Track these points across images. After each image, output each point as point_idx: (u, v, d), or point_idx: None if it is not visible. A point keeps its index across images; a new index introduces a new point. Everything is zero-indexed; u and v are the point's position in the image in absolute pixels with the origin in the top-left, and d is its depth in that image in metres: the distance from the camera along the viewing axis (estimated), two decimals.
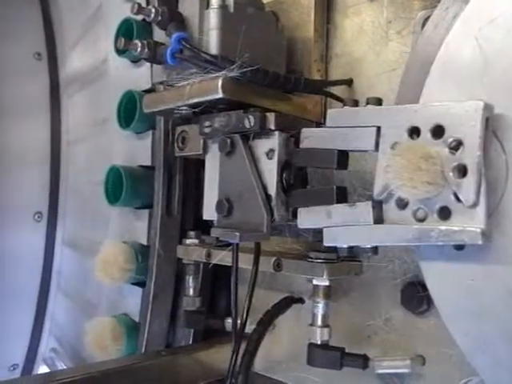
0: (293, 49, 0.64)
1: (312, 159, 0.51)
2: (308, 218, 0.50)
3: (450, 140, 0.40)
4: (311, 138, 0.51)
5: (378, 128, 0.44)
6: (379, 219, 0.44)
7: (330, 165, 0.48)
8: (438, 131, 0.41)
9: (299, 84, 0.57)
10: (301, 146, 0.51)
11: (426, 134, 0.41)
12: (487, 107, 0.39)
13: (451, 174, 0.40)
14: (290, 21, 0.64)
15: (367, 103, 0.48)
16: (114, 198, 0.80)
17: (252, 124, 0.53)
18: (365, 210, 0.45)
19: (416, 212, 0.42)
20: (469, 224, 0.39)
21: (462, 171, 0.39)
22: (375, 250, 0.49)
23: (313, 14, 0.63)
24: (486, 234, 0.39)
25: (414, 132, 0.42)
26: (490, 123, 0.39)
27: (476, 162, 0.39)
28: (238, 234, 0.51)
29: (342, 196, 0.48)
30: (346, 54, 0.64)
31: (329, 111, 0.49)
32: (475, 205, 0.39)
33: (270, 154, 0.54)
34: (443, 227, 0.40)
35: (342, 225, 0.47)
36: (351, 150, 0.48)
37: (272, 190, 0.53)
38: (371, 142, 0.45)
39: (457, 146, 0.40)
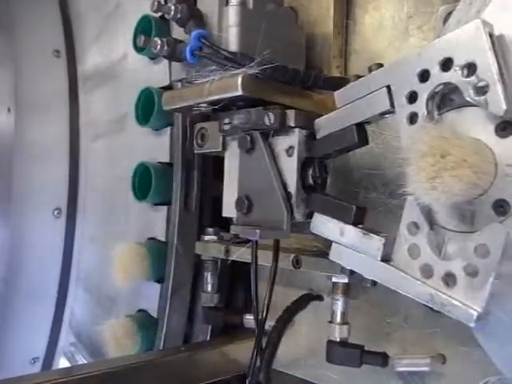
0: (312, 45, 0.64)
1: (331, 143, 0.50)
2: (322, 225, 0.50)
3: (462, 64, 0.38)
4: (326, 125, 0.50)
5: (388, 86, 0.43)
6: (387, 257, 0.44)
7: (351, 141, 0.47)
8: (446, 65, 0.39)
9: (319, 80, 0.57)
10: (317, 136, 0.51)
11: (436, 73, 0.40)
12: (486, 23, 0.37)
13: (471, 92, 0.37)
14: (309, 16, 0.64)
15: (370, 71, 0.48)
16: (141, 195, 0.81)
17: (272, 121, 0.53)
18: (376, 244, 0.45)
19: (423, 267, 0.41)
20: (469, 302, 0.38)
21: (482, 91, 0.37)
22: (374, 282, 0.49)
23: (332, 10, 0.63)
24: (481, 317, 0.37)
25: (424, 75, 0.41)
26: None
27: (495, 73, 0.36)
28: (258, 231, 0.51)
29: (360, 217, 0.48)
30: (366, 50, 0.63)
31: (335, 93, 0.49)
32: (482, 287, 0.37)
33: (289, 151, 0.53)
34: (443, 296, 0.39)
35: (350, 247, 0.47)
36: (368, 120, 0.47)
37: (292, 187, 0.53)
38: (385, 102, 0.44)
39: (470, 70, 0.38)
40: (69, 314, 1.16)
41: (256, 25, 0.55)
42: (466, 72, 0.38)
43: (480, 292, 0.37)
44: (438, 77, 0.40)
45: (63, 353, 1.15)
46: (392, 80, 0.43)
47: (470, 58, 0.37)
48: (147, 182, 0.78)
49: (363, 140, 0.48)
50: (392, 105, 0.43)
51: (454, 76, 0.38)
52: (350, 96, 0.47)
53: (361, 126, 0.47)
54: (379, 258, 0.44)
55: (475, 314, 0.37)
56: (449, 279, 0.39)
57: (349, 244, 0.47)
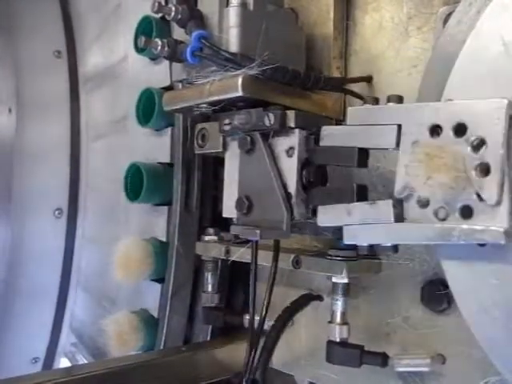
0: (312, 46, 0.64)
1: (332, 157, 0.50)
2: (328, 215, 0.50)
3: (473, 139, 0.40)
4: (331, 135, 0.50)
5: (399, 126, 0.44)
6: (400, 217, 0.44)
7: (351, 163, 0.48)
8: (460, 129, 0.40)
9: (319, 81, 0.57)
10: (321, 143, 0.51)
11: (447, 132, 0.41)
12: (511, 105, 0.38)
13: (473, 172, 0.39)
14: (310, 18, 0.64)
15: (388, 101, 0.48)
16: (133, 195, 0.81)
17: (272, 122, 0.53)
18: (385, 208, 0.45)
19: (437, 211, 0.42)
20: (491, 223, 0.38)
21: (485, 170, 0.39)
22: (395, 248, 0.49)
23: (332, 11, 0.63)
24: (509, 233, 0.38)
25: (436, 130, 0.42)
26: None
27: (499, 160, 0.38)
28: (258, 231, 0.51)
29: (363, 194, 0.48)
30: (366, 51, 0.63)
31: (349, 109, 0.49)
32: (498, 203, 0.38)
33: (289, 151, 0.54)
34: (465, 226, 0.40)
35: (362, 223, 0.47)
36: (372, 148, 0.48)
37: (292, 187, 0.53)
38: (392, 140, 0.44)
39: (479, 144, 0.39)
40: (69, 314, 1.16)
41: (256, 26, 0.55)
42: (475, 144, 0.40)
43: (499, 210, 0.38)
44: (447, 139, 0.41)
45: (64, 353, 1.15)
46: (405, 122, 0.44)
47: (482, 133, 0.39)
48: (140, 183, 0.78)
49: (363, 164, 0.48)
50: (398, 145, 0.44)
51: (463, 146, 0.40)
52: (361, 118, 0.48)
53: (363, 151, 0.48)
54: (393, 220, 0.44)
55: (501, 229, 0.38)
56: (465, 211, 0.40)
57: (359, 220, 0.47)
